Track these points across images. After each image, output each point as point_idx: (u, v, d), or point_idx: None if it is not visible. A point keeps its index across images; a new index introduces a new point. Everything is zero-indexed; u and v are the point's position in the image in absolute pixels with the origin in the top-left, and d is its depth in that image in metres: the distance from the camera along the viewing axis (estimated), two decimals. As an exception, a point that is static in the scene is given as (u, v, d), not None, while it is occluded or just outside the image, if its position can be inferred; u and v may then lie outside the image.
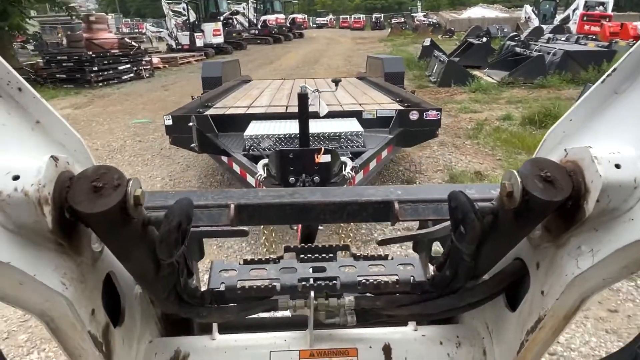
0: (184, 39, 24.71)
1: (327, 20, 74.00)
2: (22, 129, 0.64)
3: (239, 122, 4.80)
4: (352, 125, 4.44)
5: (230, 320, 0.89)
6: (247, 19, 35.18)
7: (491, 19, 36.11)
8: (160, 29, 28.60)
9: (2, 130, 0.61)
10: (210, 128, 4.74)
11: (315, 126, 4.06)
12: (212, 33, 25.71)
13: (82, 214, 0.56)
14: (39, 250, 0.58)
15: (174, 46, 25.27)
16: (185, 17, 25.13)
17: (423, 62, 15.72)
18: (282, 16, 38.11)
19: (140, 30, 40.16)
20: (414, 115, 4.83)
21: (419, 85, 12.99)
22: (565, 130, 0.74)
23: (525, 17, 31.16)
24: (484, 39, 17.78)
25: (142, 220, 0.63)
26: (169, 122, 4.73)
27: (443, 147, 7.31)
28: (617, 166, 0.59)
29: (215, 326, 0.98)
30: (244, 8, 35.95)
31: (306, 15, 65.63)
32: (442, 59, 13.15)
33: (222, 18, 28.02)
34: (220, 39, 26.39)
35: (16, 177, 0.53)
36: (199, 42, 24.64)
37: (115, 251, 0.67)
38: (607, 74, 0.69)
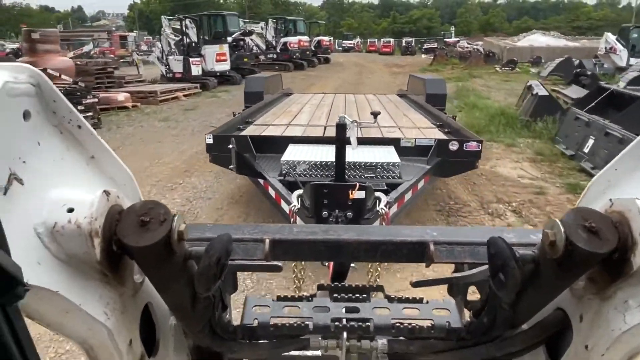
0: (177, 65, 18.97)
1: (354, 44, 68.91)
2: (78, 164, 0.67)
3: (277, 143, 4.85)
4: (389, 155, 4.37)
5: (261, 357, 0.89)
6: (264, 41, 29.48)
7: (559, 48, 29.61)
8: (152, 50, 22.92)
9: (61, 164, 0.63)
10: (249, 149, 4.80)
11: (352, 154, 3.71)
12: (214, 58, 19.98)
13: (129, 247, 0.57)
14: (86, 280, 0.60)
15: (165, 74, 19.63)
16: (179, 37, 19.49)
17: (543, 126, 9.31)
18: (305, 38, 32.12)
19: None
20: (453, 146, 4.62)
21: (568, 185, 6.59)
22: (610, 180, 0.72)
23: (606, 48, 24.80)
24: (612, 86, 11.36)
25: (183, 255, 0.64)
26: (210, 141, 4.79)
27: None
28: None
29: None
30: (262, 28, 30.35)
31: (332, 38, 60.17)
32: (609, 131, 6.77)
33: (230, 39, 22.34)
34: (225, 66, 20.63)
35: (71, 210, 0.56)
36: (196, 70, 18.85)
37: (156, 283, 0.68)
38: None
